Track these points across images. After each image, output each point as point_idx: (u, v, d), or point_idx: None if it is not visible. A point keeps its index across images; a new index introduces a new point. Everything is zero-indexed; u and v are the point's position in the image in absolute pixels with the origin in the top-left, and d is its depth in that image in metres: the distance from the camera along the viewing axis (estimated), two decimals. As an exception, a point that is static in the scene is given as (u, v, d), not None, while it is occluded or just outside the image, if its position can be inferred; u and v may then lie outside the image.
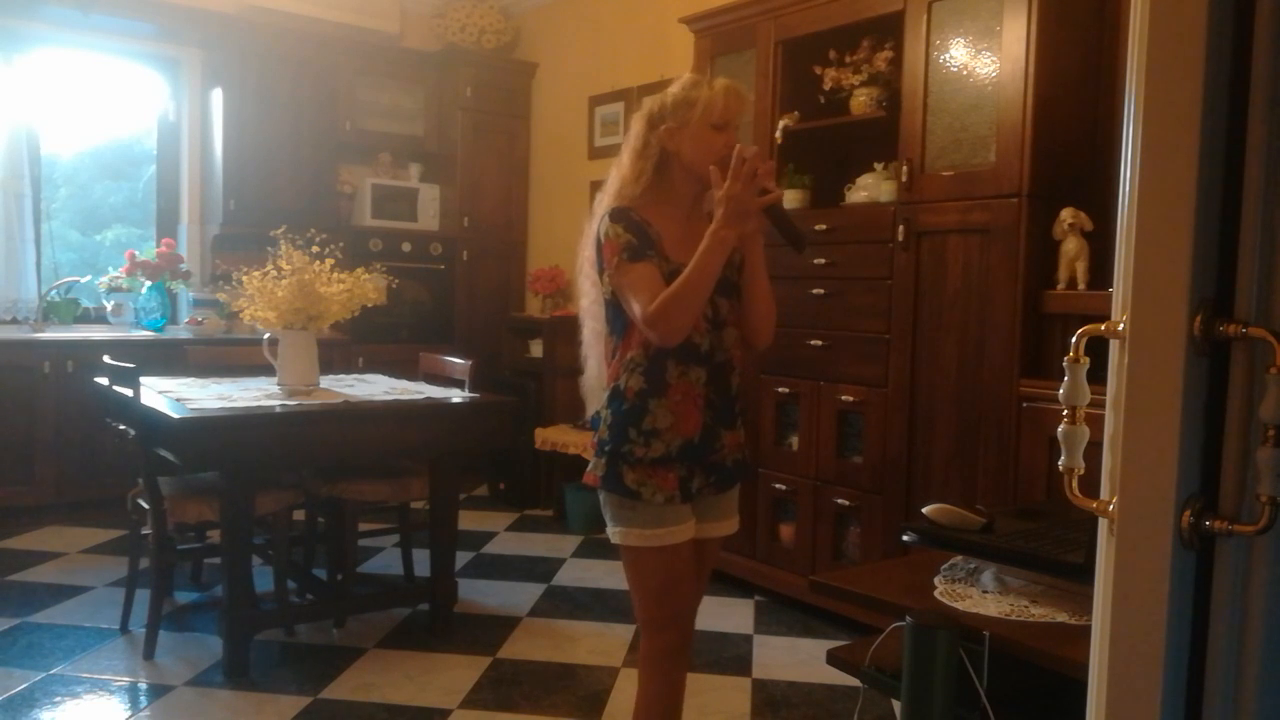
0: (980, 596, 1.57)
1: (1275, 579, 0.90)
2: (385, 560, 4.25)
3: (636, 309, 1.87)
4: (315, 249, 3.32)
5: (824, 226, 3.48)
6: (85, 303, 5.28)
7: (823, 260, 3.48)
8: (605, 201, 2.02)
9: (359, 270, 3.42)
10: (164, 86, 5.54)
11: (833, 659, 1.73)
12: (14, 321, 4.95)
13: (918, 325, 3.21)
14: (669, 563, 1.96)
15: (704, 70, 3.96)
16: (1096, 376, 1.00)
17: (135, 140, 5.76)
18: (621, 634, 3.42)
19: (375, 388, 3.56)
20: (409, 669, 3.09)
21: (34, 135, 5.15)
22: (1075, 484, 1.02)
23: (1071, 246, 2.88)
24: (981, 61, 3.02)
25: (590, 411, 2.11)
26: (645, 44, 5.12)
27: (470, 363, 3.76)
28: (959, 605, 1.53)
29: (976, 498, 2.93)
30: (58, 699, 2.81)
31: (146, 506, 3.09)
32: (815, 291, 3.51)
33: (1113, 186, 2.55)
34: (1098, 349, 0.99)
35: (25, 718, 2.68)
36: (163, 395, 3.16)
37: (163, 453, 3.02)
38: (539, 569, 4.22)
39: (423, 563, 3.56)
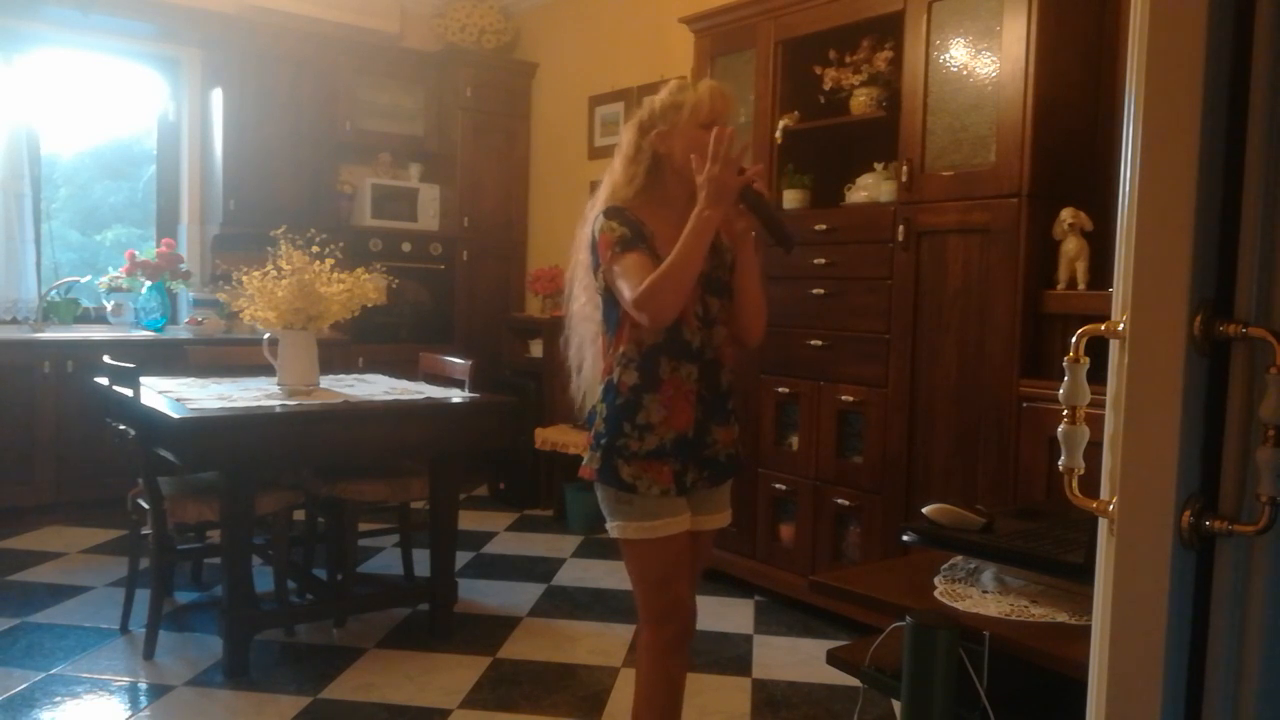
0: (980, 596, 1.57)
1: (1275, 579, 0.90)
2: (385, 560, 4.25)
3: (627, 294, 1.91)
4: (315, 249, 3.32)
5: (824, 226, 3.48)
6: (85, 303, 5.28)
7: (823, 260, 3.48)
8: (598, 206, 2.05)
9: (359, 270, 3.42)
10: (164, 86, 5.54)
11: (833, 659, 1.73)
12: (14, 321, 4.95)
13: (918, 325, 3.21)
14: (667, 554, 2.01)
15: (704, 70, 3.97)
16: (1096, 376, 1.00)
17: (135, 140, 5.76)
18: (622, 634, 3.42)
19: (375, 388, 3.56)
20: (409, 669, 3.09)
21: (34, 135, 5.15)
22: (1075, 484, 1.02)
23: (1071, 246, 2.88)
24: (981, 61, 3.02)
25: (585, 411, 2.14)
26: (645, 44, 5.12)
27: (470, 363, 3.76)
28: (959, 605, 1.53)
29: (976, 498, 2.93)
30: (58, 699, 2.81)
31: (146, 506, 3.09)
32: (815, 291, 3.51)
33: (1113, 186, 2.55)
34: (1098, 349, 0.99)
35: (25, 718, 2.69)
36: (163, 395, 3.16)
37: (163, 453, 3.02)
38: (539, 569, 4.22)
39: (423, 563, 3.56)
